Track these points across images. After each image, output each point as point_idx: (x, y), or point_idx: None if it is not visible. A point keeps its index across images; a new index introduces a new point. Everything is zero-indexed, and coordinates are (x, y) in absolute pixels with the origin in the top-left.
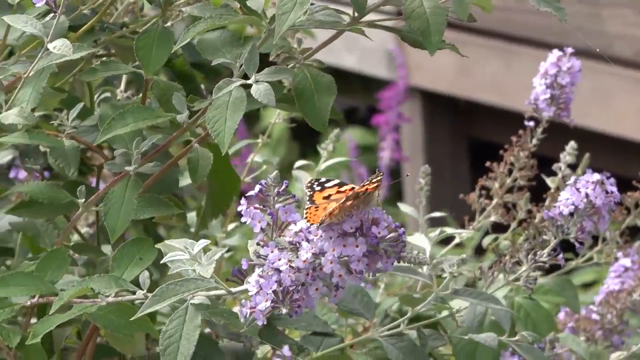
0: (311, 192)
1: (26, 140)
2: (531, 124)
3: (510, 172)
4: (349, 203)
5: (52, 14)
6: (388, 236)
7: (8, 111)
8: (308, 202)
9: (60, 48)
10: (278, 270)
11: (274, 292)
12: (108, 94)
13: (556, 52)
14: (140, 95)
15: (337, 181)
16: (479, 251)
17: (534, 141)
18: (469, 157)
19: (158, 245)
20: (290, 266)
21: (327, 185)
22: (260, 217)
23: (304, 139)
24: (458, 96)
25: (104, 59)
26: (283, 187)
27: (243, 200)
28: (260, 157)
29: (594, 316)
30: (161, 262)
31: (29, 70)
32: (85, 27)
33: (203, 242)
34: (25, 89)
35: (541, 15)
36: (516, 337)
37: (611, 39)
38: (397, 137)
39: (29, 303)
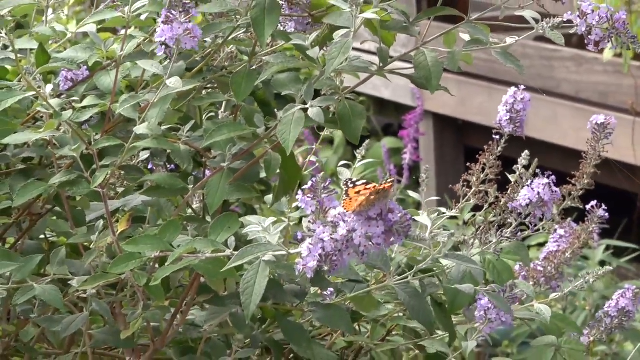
0: (346, 189)
1: (154, 145)
2: (497, 137)
3: (483, 170)
4: (372, 197)
5: (169, 60)
6: (399, 220)
7: (140, 125)
8: (344, 196)
9: (174, 83)
10: (322, 240)
11: (319, 255)
12: (213, 114)
13: (513, 88)
14: (233, 115)
15: (364, 181)
16: (465, 223)
17: (499, 148)
18: (464, 159)
19: (241, 219)
20: (331, 238)
21: (357, 183)
22: (311, 203)
23: (356, 145)
24: (458, 118)
25: (209, 90)
26: (327, 183)
27: (300, 192)
28: (315, 157)
29: (539, 268)
30: (243, 232)
31: (155, 97)
32: (196, 69)
33: (271, 220)
34: (153, 110)
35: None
36: (487, 287)
37: (559, 81)
38: (416, 145)
39: (153, 256)
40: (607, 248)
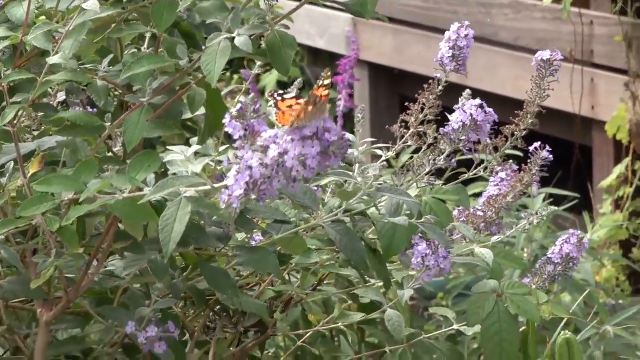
0: (275, 101)
1: (68, 78)
2: (438, 75)
3: (422, 110)
4: (310, 108)
5: None
6: (336, 141)
7: (53, 56)
8: (275, 109)
9: (91, 5)
10: (250, 167)
11: (247, 183)
12: (135, 50)
13: (457, 24)
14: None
15: (294, 94)
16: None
17: (440, 87)
18: (399, 108)
19: (162, 154)
20: (260, 163)
21: (286, 97)
22: (239, 128)
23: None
24: (394, 67)
25: (131, 22)
26: (257, 106)
27: (227, 115)
28: (244, 98)
29: (479, 213)
30: (163, 161)
31: (69, 26)
32: None
33: (195, 148)
34: (67, 41)
35: (449, 13)
36: (422, 220)
37: (498, 29)
38: (350, 91)
39: (67, 199)
40: (545, 199)
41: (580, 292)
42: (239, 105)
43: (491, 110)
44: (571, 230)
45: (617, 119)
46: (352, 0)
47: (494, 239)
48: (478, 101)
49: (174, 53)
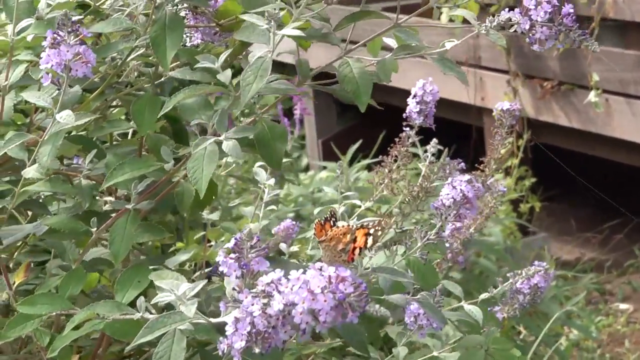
0: (323, 222)
1: (46, 188)
2: (408, 129)
3: (395, 160)
4: (340, 246)
5: (58, 90)
6: (354, 292)
7: (29, 167)
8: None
9: (65, 118)
10: (251, 314)
11: (248, 332)
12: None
13: (422, 81)
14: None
15: (346, 223)
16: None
17: (410, 140)
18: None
19: (151, 276)
20: (263, 312)
21: (338, 224)
22: (235, 267)
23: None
24: None
25: (114, 110)
26: (255, 240)
27: (221, 252)
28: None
29: (447, 245)
30: (151, 302)
31: (44, 135)
32: (98, 91)
33: (185, 286)
34: (45, 147)
35: None
36: (418, 296)
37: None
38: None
39: (54, 313)
40: None
41: (493, 252)
42: (233, 240)
43: (479, 185)
44: (537, 262)
45: None
46: (343, 88)
47: (482, 296)
48: (467, 176)
49: (157, 152)
